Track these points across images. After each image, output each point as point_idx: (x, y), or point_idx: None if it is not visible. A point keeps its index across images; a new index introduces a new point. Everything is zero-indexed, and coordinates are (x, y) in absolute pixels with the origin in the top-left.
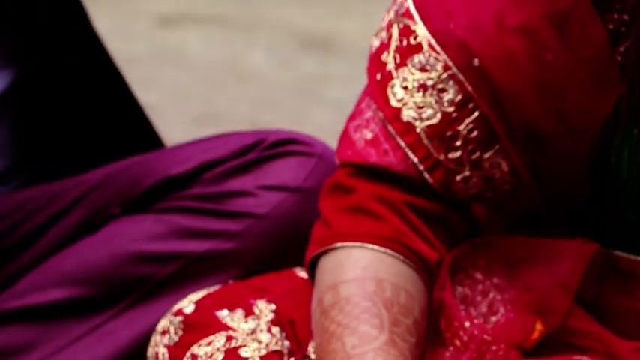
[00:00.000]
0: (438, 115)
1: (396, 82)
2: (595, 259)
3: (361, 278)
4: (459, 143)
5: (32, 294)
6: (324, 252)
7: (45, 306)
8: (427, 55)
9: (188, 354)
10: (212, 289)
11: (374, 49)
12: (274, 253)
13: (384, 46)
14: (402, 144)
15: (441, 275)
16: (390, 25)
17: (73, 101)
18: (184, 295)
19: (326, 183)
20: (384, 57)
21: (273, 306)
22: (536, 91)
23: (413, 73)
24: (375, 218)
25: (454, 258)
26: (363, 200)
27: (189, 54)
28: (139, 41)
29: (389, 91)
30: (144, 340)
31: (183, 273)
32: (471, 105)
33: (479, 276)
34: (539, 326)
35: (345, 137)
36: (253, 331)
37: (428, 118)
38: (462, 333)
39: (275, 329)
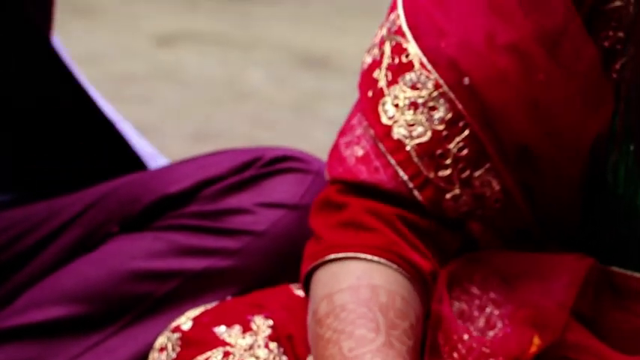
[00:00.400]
0: (429, 133)
1: (388, 99)
2: (591, 274)
3: (356, 286)
4: (449, 161)
5: (31, 312)
6: (318, 266)
7: (44, 324)
8: (418, 73)
9: None
10: (210, 305)
11: (366, 66)
12: (272, 270)
13: (376, 63)
14: (393, 161)
15: (438, 289)
16: (382, 42)
17: (34, 124)
18: (182, 313)
19: (316, 200)
20: (375, 74)
21: (270, 322)
22: (527, 110)
23: (404, 91)
24: (368, 230)
25: (450, 272)
26: (354, 214)
27: (188, 72)
28: (138, 60)
29: (380, 108)
30: (142, 358)
31: (182, 291)
32: (461, 123)
33: (475, 291)
34: (536, 341)
35: (336, 153)
36: (251, 347)
37: (418, 136)
38: (460, 346)
39: (273, 345)
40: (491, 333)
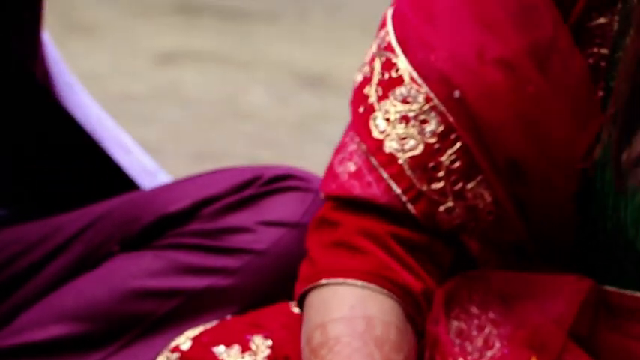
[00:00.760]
0: (421, 147)
1: (379, 114)
2: (590, 295)
3: (349, 317)
4: (441, 174)
5: (31, 330)
6: (310, 289)
7: (44, 343)
8: (409, 87)
9: None
10: (209, 325)
11: (357, 83)
12: (273, 289)
13: (367, 80)
14: (385, 175)
15: (434, 309)
16: (372, 59)
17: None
18: (182, 332)
19: (313, 219)
20: (366, 90)
21: (269, 342)
22: (517, 123)
23: (395, 105)
24: (359, 252)
25: (447, 291)
26: (346, 235)
27: (188, 91)
28: (138, 79)
29: (371, 123)
30: None
31: (183, 309)
32: (453, 136)
33: (475, 310)
34: None
35: (330, 171)
36: None
37: (410, 150)
38: None
39: None
40: (489, 353)
